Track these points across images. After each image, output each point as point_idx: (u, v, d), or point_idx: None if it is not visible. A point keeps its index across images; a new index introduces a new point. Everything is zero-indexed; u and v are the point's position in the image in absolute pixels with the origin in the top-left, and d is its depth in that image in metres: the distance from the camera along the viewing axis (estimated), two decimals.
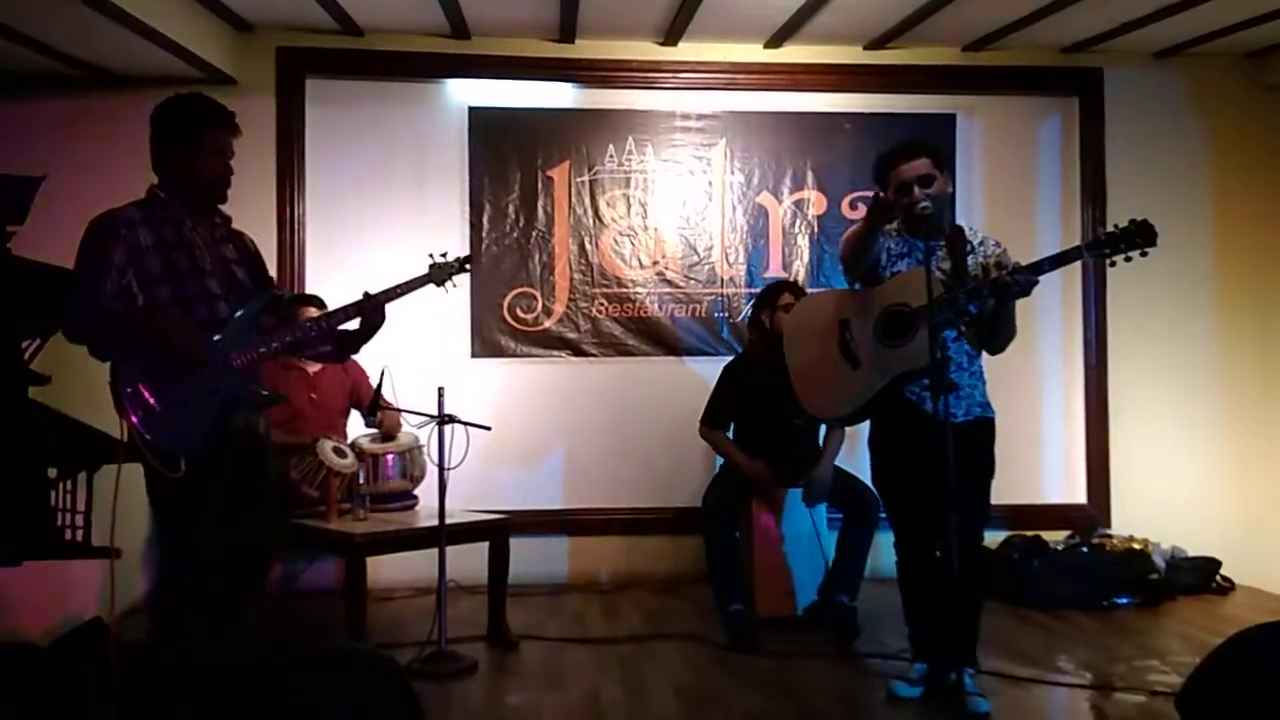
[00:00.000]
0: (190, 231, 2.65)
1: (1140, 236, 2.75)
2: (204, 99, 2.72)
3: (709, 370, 4.65)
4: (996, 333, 3.06)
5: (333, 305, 4.10)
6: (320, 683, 2.36)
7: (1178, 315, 5.15)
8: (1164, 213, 4.73)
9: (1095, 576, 4.41)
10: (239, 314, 2.66)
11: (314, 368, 4.19)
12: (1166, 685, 3.25)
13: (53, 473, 2.81)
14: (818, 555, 4.11)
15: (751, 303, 4.58)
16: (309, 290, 4.58)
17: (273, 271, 4.54)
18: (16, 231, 3.11)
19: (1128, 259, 2.78)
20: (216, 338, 2.60)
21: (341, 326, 2.84)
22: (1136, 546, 4.60)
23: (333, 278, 4.65)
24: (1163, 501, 5.01)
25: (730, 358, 4.59)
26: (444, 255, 3.04)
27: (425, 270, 2.99)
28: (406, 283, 2.89)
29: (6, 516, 2.69)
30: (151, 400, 2.48)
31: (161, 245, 2.59)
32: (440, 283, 3.00)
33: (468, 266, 3.07)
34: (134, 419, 2.44)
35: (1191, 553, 4.74)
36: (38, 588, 3.11)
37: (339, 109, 4.89)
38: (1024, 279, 2.84)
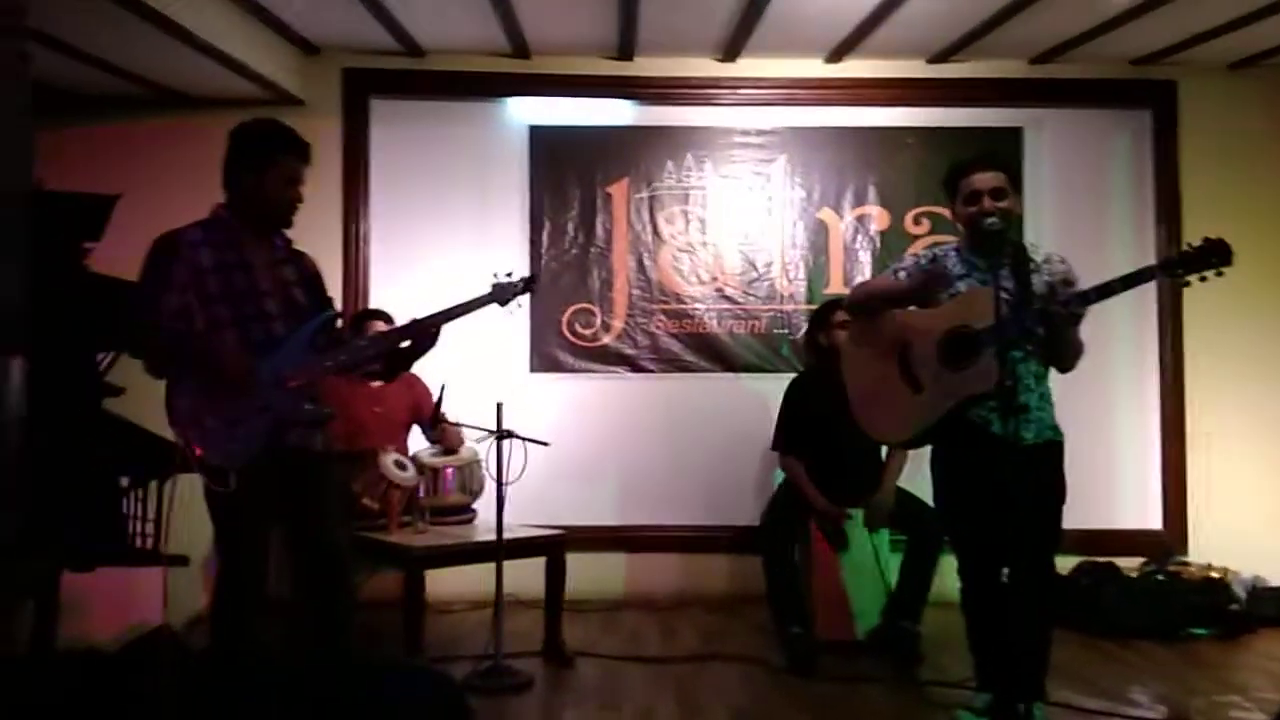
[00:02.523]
0: (251, 253, 2.69)
1: (1215, 255, 2.64)
2: (281, 125, 2.75)
3: (767, 388, 4.61)
4: (1063, 352, 2.98)
5: (397, 320, 4.20)
6: (378, 697, 2.37)
7: (1258, 334, 4.97)
8: (1242, 229, 4.58)
9: (1171, 605, 4.25)
10: (295, 334, 2.68)
11: (378, 382, 4.24)
12: None
13: (125, 481, 2.88)
14: (880, 579, 4.02)
15: (808, 322, 4.53)
16: (373, 306, 4.64)
17: (338, 289, 4.70)
18: (93, 248, 3.22)
19: (1202, 279, 2.67)
20: (271, 358, 2.63)
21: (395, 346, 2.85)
22: (1215, 575, 4.43)
23: (397, 294, 4.72)
24: (1243, 528, 4.81)
25: (789, 375, 4.53)
26: (508, 275, 3.02)
27: (488, 290, 2.97)
28: (469, 302, 2.88)
29: (80, 523, 2.76)
30: (205, 416, 2.53)
31: (221, 266, 2.62)
32: (504, 303, 2.98)
33: (532, 287, 3.05)
34: (187, 434, 2.50)
35: (1273, 582, 4.54)
36: (108, 594, 3.19)
37: (402, 129, 4.97)
38: (1072, 311, 2.75)
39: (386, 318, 4.22)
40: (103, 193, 3.27)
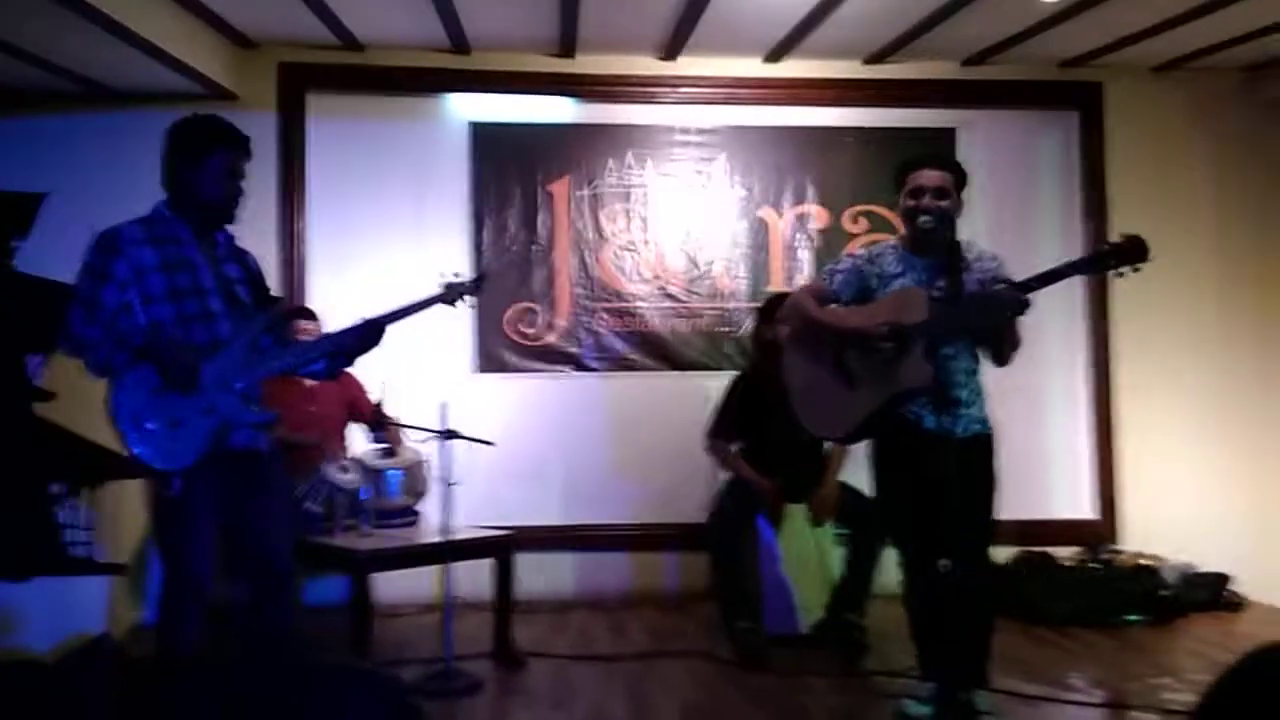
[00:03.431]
0: (194, 250, 2.64)
1: (1131, 253, 2.72)
2: (218, 120, 2.70)
3: (712, 384, 4.62)
4: (1000, 346, 3.05)
5: (332, 318, 4.12)
6: (326, 701, 2.33)
7: (1182, 328, 5.14)
8: (1165, 226, 4.83)
9: (1105, 593, 4.39)
10: (240, 335, 2.64)
11: (311, 381, 4.17)
12: (1180, 704, 3.21)
13: (58, 489, 2.78)
14: (825, 572, 4.07)
15: (753, 318, 4.57)
16: (311, 304, 4.56)
17: (276, 285, 4.58)
18: (19, 247, 3.11)
19: (1120, 275, 2.76)
20: (217, 358, 2.58)
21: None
22: (1146, 562, 4.58)
23: (335, 291, 4.65)
24: (1171, 516, 4.97)
25: (732, 372, 4.57)
26: (456, 275, 3.00)
27: (439, 289, 2.95)
28: (419, 302, 2.86)
29: (12, 532, 2.67)
30: (147, 419, 2.48)
31: (164, 264, 2.58)
32: (452, 301, 2.97)
33: (481, 287, 3.04)
34: (129, 437, 2.45)
35: (1202, 568, 4.71)
36: (45, 604, 3.08)
37: (340, 124, 4.89)
38: (1011, 299, 2.82)
39: (311, 315, 4.15)
40: (30, 190, 3.15)
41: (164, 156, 2.67)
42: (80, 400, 2.79)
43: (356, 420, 4.28)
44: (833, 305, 3.19)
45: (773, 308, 4.20)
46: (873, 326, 2.99)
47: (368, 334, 2.77)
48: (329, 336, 2.82)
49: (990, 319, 2.92)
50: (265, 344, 2.73)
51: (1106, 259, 2.75)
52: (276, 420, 2.76)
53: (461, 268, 4.76)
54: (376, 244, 4.84)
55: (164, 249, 2.59)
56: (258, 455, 2.71)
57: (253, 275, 2.82)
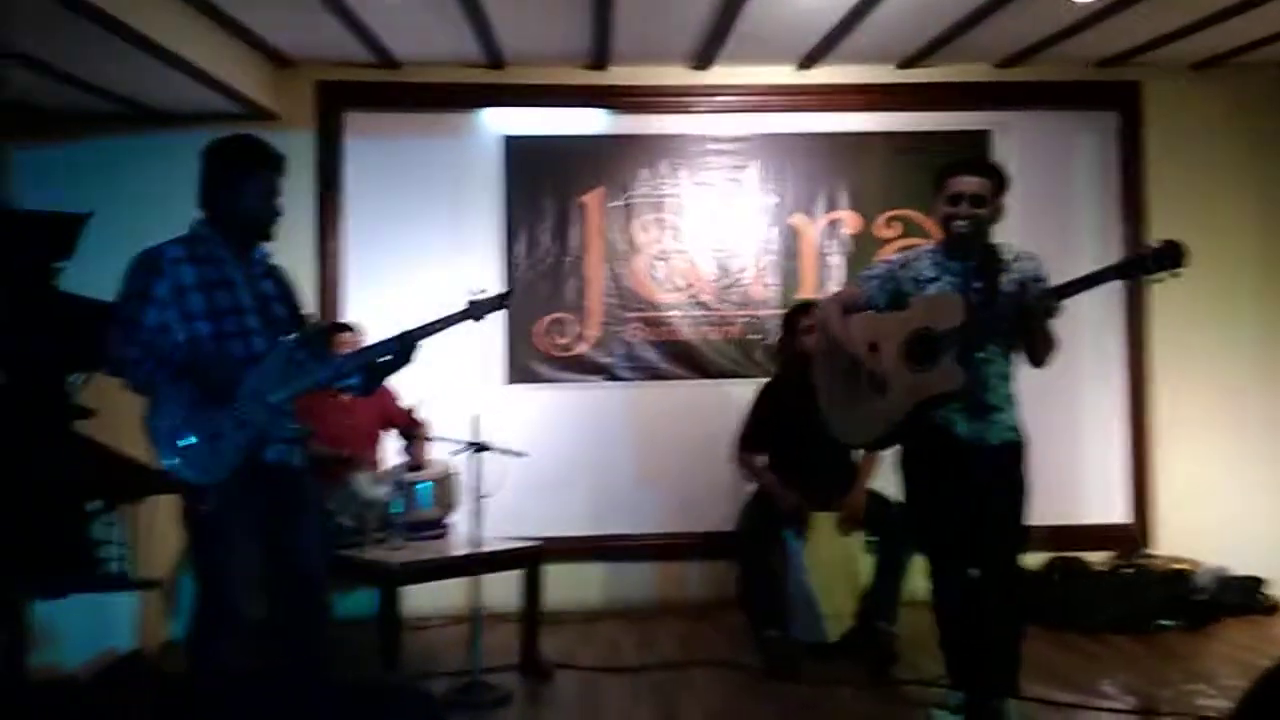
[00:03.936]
0: (231, 269, 2.70)
1: (1169, 258, 2.68)
2: (256, 140, 2.75)
3: (744, 393, 4.62)
4: (1035, 348, 3.03)
5: (371, 334, 4.20)
6: (357, 715, 2.38)
7: (1221, 330, 5.04)
8: (1205, 227, 4.77)
9: (1139, 598, 4.33)
10: (275, 350, 2.69)
11: (348, 396, 4.26)
12: (1215, 710, 3.18)
13: (96, 505, 2.86)
14: (854, 580, 4.06)
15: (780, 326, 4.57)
16: (348, 319, 4.65)
17: (313, 302, 4.69)
18: (63, 267, 3.21)
19: (1158, 280, 2.72)
20: (252, 373, 2.63)
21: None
22: (1180, 567, 4.51)
23: (372, 307, 4.73)
24: (1206, 521, 4.89)
25: (764, 380, 4.57)
26: (482, 291, 3.01)
27: (465, 306, 2.96)
28: (445, 319, 2.88)
29: (50, 549, 2.74)
30: (185, 434, 2.53)
31: (203, 283, 2.63)
32: (478, 318, 2.98)
33: (507, 303, 3.05)
34: (166, 452, 2.50)
35: (1237, 572, 4.62)
36: (79, 620, 3.17)
37: (377, 141, 4.98)
38: (1046, 305, 2.80)
39: (353, 330, 4.24)
40: (74, 211, 3.26)
41: (202, 176, 2.72)
42: (118, 416, 2.86)
43: (392, 428, 4.34)
44: (869, 311, 3.19)
45: (794, 318, 4.20)
46: (866, 361, 3.02)
47: (400, 350, 2.81)
48: (362, 351, 2.86)
49: (1023, 324, 2.90)
50: (300, 359, 2.76)
51: (1144, 264, 2.71)
52: (311, 434, 2.80)
53: (495, 280, 4.88)
54: (412, 259, 4.92)
55: (203, 268, 2.64)
56: (291, 470, 2.75)
57: (286, 291, 2.87)
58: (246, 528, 2.62)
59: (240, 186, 2.67)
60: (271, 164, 2.73)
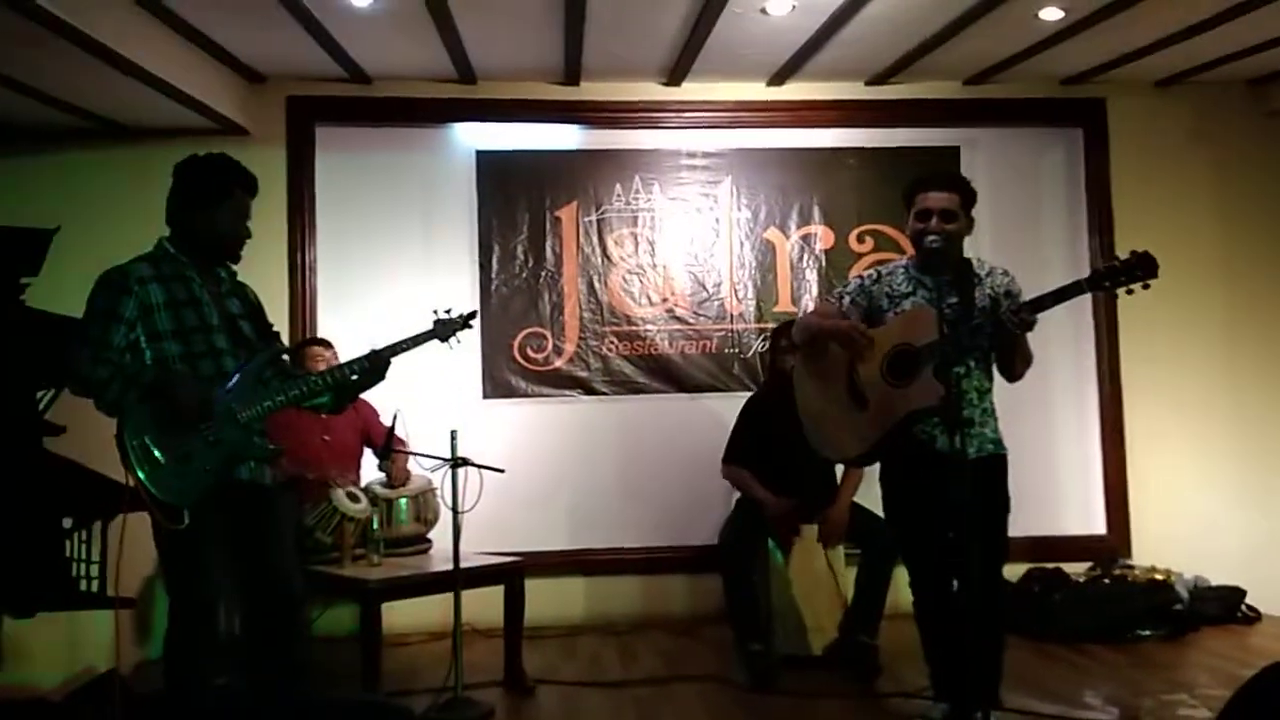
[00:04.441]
0: (199, 288, 2.68)
1: (1141, 269, 2.72)
2: (231, 160, 2.75)
3: (720, 406, 4.65)
4: (1011, 363, 3.06)
5: (342, 350, 4.16)
6: None
7: (1190, 342, 5.14)
8: (1171, 240, 4.85)
9: (1118, 609, 4.35)
10: (245, 369, 2.68)
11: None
12: None
13: (67, 523, 2.80)
14: (836, 593, 4.06)
15: (765, 341, 4.58)
16: (319, 334, 4.60)
17: (284, 317, 4.64)
18: (30, 283, 3.15)
19: (1129, 292, 2.76)
20: (222, 392, 2.62)
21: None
22: (1159, 577, 4.54)
23: (344, 322, 4.70)
24: (1183, 530, 4.95)
25: (742, 394, 4.58)
26: (448, 311, 3.07)
27: (430, 326, 3.01)
28: (411, 339, 2.92)
29: (21, 567, 2.68)
30: (156, 453, 2.50)
31: (171, 302, 2.62)
32: (445, 338, 3.03)
33: (471, 323, 3.10)
34: (138, 472, 2.47)
35: (1215, 582, 4.67)
36: (51, 639, 3.09)
37: (348, 156, 4.94)
38: (1022, 319, 2.83)
39: (327, 344, 4.21)
40: (40, 226, 3.20)
41: (173, 194, 2.71)
42: (91, 434, 2.82)
43: (371, 448, 4.30)
44: None
45: (776, 337, 4.22)
46: (856, 330, 3.03)
47: (371, 368, 2.82)
48: (332, 370, 2.86)
49: (998, 338, 2.93)
50: (270, 377, 2.76)
51: (1115, 276, 2.75)
52: (282, 453, 2.80)
53: (469, 295, 4.85)
54: (385, 274, 4.88)
55: (170, 286, 2.63)
56: (264, 488, 2.74)
57: (254, 309, 2.86)
58: (219, 545, 2.60)
59: (213, 207, 2.67)
60: (245, 185, 2.74)
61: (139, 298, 2.58)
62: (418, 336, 2.95)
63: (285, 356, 3.01)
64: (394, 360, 2.88)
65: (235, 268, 2.84)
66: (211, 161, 2.73)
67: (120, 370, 2.52)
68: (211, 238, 2.69)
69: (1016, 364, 3.06)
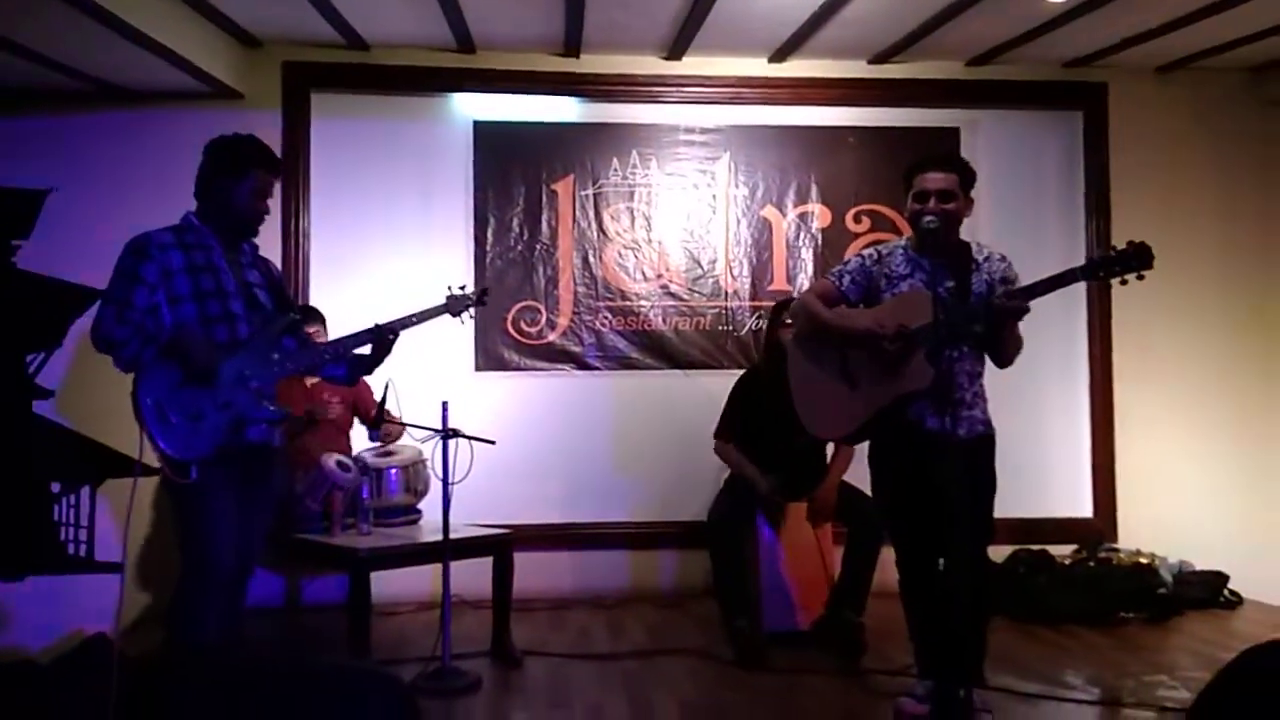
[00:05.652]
0: (218, 257, 2.81)
1: (1136, 259, 2.72)
2: (257, 141, 2.89)
3: (713, 383, 4.64)
4: (1002, 348, 3.06)
5: (334, 317, 4.16)
6: (325, 700, 2.34)
7: (1183, 328, 5.15)
8: (1169, 225, 4.86)
9: (1102, 591, 4.39)
10: (258, 335, 2.80)
11: (313, 380, 4.20)
12: (1176, 701, 3.23)
13: (56, 487, 2.82)
14: (824, 571, 4.08)
15: (764, 318, 4.59)
16: (315, 302, 4.59)
17: None
18: (21, 245, 3.12)
19: (1124, 282, 2.76)
20: (234, 358, 2.72)
21: (354, 351, 2.99)
22: (1143, 561, 4.58)
23: (338, 290, 4.69)
24: (1169, 515, 4.99)
25: (734, 371, 4.57)
26: (461, 288, 3.25)
27: (443, 301, 3.19)
28: (422, 312, 3.08)
29: (9, 531, 2.69)
30: (168, 411, 2.62)
31: (191, 268, 2.75)
32: (456, 313, 3.21)
33: (484, 301, 3.29)
34: (152, 428, 2.58)
35: (1199, 566, 4.72)
36: (40, 602, 3.10)
37: (344, 123, 4.90)
38: (1015, 305, 2.83)
39: (317, 314, 4.20)
40: (31, 188, 3.16)
41: (201, 170, 2.86)
42: (84, 398, 2.82)
43: (361, 419, 4.30)
44: (841, 306, 3.20)
45: (775, 312, 4.22)
46: (880, 329, 3.00)
47: (379, 343, 2.97)
48: (341, 340, 2.98)
49: (991, 324, 2.93)
50: (285, 345, 2.89)
51: (1110, 266, 2.75)
52: (288, 417, 2.92)
53: (465, 266, 4.84)
54: (380, 242, 4.86)
55: (191, 254, 2.77)
56: (270, 450, 2.88)
57: (274, 282, 3.00)
58: (228, 501, 2.72)
59: (240, 183, 2.81)
60: (269, 167, 2.90)
61: (159, 262, 2.71)
62: (428, 311, 3.09)
63: (300, 322, 3.11)
64: (398, 334, 3.00)
65: (256, 241, 2.96)
66: (239, 141, 2.88)
67: (139, 330, 2.65)
68: (232, 212, 2.83)
69: (1008, 349, 3.06)
